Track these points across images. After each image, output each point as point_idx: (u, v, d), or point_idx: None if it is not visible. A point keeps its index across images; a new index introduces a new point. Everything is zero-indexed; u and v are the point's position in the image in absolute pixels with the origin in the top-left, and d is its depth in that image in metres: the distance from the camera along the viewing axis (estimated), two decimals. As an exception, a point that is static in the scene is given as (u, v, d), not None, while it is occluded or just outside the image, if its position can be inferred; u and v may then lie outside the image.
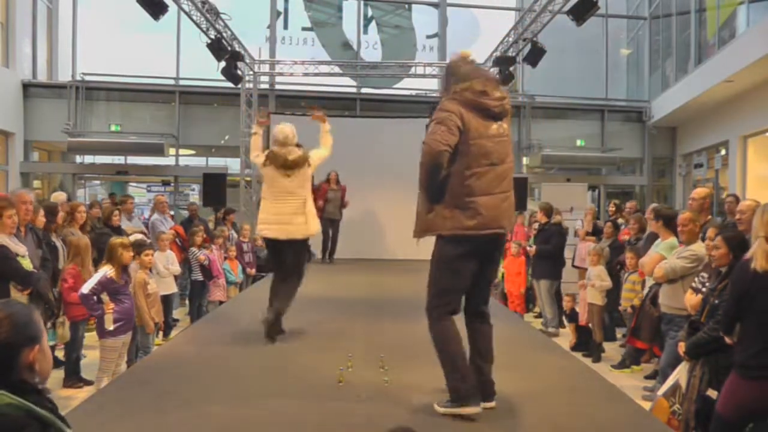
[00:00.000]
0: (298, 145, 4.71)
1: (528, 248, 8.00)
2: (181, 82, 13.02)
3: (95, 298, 4.37)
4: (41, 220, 5.14)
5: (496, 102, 3.00)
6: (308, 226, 4.66)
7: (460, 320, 3.10)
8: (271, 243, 4.71)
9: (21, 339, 1.43)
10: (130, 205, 7.84)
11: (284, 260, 4.66)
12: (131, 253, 4.64)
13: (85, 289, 4.38)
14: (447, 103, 2.98)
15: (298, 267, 4.72)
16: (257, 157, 4.78)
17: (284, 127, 4.69)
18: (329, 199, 9.00)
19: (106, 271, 4.45)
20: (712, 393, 3.21)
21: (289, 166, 4.58)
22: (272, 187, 4.66)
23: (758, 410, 2.80)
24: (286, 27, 13.58)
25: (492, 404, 3.05)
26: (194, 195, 13.52)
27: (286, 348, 4.28)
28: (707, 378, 3.30)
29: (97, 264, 5.11)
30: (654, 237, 5.46)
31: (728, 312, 2.98)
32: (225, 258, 7.71)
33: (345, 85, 13.84)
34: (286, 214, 4.57)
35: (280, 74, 12.73)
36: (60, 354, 5.63)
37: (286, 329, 4.59)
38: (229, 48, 10.39)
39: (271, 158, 4.62)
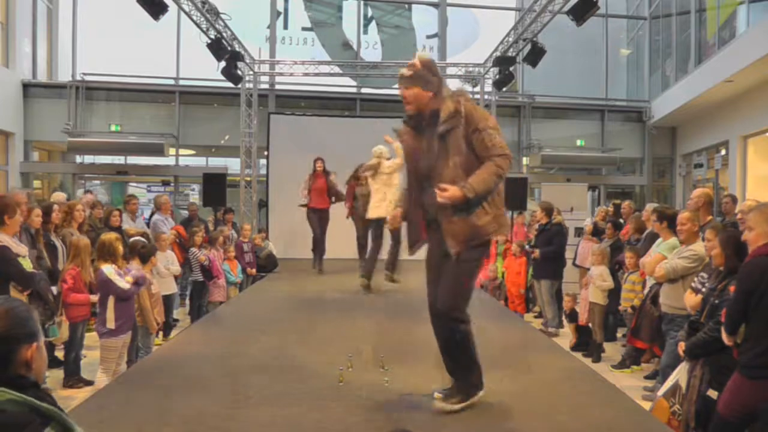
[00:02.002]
0: (387, 158, 6.87)
1: (528, 249, 7.99)
2: (181, 82, 13.02)
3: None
4: (37, 220, 5.14)
5: None
6: (380, 210, 6.83)
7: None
8: (369, 219, 7.08)
9: (20, 334, 1.42)
10: (133, 206, 7.75)
11: (375, 231, 7.13)
12: (121, 246, 4.68)
13: (125, 284, 4.49)
14: (482, 109, 3.06)
15: (381, 234, 7.12)
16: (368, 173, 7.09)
17: (379, 146, 6.85)
18: (358, 197, 7.66)
19: (110, 268, 4.50)
20: (712, 393, 3.20)
21: (378, 172, 6.89)
22: (372, 186, 6.99)
23: (761, 410, 2.79)
24: (286, 27, 13.59)
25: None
26: (194, 195, 13.50)
27: (286, 348, 4.28)
28: (707, 378, 3.30)
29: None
30: (654, 237, 5.46)
31: (734, 311, 2.95)
32: (224, 258, 7.70)
33: (345, 85, 13.84)
34: (375, 201, 6.91)
35: (280, 74, 12.73)
36: (60, 354, 5.62)
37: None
38: (229, 48, 10.40)
39: (369, 168, 7.01)
